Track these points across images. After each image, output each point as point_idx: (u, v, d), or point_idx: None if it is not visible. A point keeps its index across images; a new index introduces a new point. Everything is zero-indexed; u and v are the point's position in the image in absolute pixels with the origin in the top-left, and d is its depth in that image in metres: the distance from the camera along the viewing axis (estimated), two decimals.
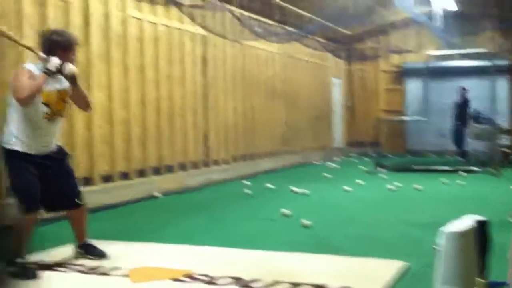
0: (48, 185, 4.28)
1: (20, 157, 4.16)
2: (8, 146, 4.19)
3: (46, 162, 4.28)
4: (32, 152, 4.20)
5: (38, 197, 4.22)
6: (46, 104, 4.19)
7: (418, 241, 5.22)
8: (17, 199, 4.22)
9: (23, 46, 4.58)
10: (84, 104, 4.54)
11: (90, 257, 4.54)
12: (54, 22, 6.85)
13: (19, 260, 4.10)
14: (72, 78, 4.23)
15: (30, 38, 6.52)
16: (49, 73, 4.08)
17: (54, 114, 4.26)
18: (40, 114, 4.18)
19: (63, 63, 4.13)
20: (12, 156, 4.19)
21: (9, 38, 4.52)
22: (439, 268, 3.18)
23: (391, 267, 4.23)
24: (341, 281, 3.91)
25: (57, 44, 4.20)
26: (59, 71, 4.13)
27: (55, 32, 4.38)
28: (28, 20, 6.53)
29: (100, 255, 4.55)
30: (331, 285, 3.81)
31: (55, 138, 4.39)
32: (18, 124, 4.17)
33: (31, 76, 4.09)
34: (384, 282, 3.90)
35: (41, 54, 4.19)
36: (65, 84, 4.32)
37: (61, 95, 4.31)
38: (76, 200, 4.51)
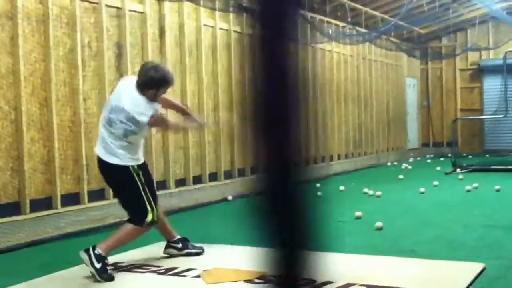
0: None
1: (133, 170, 4.41)
2: (122, 163, 4.39)
3: (143, 169, 4.50)
4: (136, 163, 4.45)
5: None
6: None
7: (498, 243, 5.04)
8: (134, 212, 4.44)
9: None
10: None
11: (190, 251, 4.75)
12: (130, 33, 7.11)
13: (106, 260, 4.23)
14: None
15: (110, 49, 6.83)
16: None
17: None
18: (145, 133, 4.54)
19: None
20: (130, 172, 4.40)
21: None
22: None
23: (469, 270, 4.11)
24: (417, 284, 3.83)
25: (151, 81, 4.31)
26: None
27: (153, 68, 4.42)
28: (107, 31, 6.81)
29: (200, 248, 4.80)
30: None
31: (140, 151, 4.59)
32: (126, 141, 4.38)
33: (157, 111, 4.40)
34: (463, 285, 3.79)
35: None
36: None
37: None
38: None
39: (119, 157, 4.31)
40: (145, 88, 4.31)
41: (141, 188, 4.35)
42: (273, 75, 0.86)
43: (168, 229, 4.78)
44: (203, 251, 4.84)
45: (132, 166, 4.35)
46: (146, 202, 4.35)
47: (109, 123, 4.30)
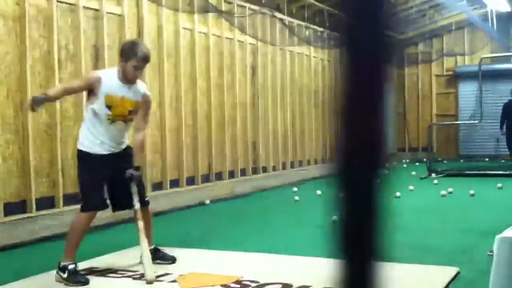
0: (117, 183, 4.44)
1: (88, 157, 4.38)
2: (78, 147, 4.47)
3: (116, 161, 4.43)
4: (100, 152, 4.38)
5: (98, 197, 4.38)
6: (108, 107, 4.37)
7: (472, 247, 5.10)
8: (80, 197, 4.42)
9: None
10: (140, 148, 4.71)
11: (160, 262, 4.64)
12: (108, 35, 7.07)
13: (70, 266, 4.20)
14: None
15: (87, 50, 6.78)
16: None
17: (114, 117, 4.41)
18: (104, 114, 4.36)
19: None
20: (81, 156, 4.44)
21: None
22: (494, 275, 3.11)
23: (444, 274, 4.16)
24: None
25: (121, 51, 4.47)
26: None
27: (129, 41, 4.65)
28: (85, 33, 6.76)
29: (170, 259, 4.69)
30: None
31: (122, 139, 4.54)
32: (89, 122, 4.41)
33: (87, 83, 4.42)
34: None
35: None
36: (136, 95, 4.48)
37: (125, 103, 4.45)
38: (143, 199, 4.59)
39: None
40: (120, 59, 4.44)
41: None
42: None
43: (147, 231, 4.71)
44: (174, 261, 4.70)
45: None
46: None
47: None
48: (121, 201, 4.56)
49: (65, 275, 4.17)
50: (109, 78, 4.38)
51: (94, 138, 4.38)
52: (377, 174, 0.90)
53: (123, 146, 4.55)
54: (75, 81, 4.38)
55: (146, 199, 4.65)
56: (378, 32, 0.87)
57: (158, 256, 4.68)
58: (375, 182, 0.91)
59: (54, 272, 4.30)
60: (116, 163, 4.43)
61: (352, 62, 0.87)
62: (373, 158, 0.90)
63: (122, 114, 4.44)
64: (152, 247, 4.67)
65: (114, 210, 4.67)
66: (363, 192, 0.91)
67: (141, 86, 4.59)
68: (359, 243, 0.92)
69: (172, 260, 4.69)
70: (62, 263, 4.22)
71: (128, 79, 4.40)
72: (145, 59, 4.44)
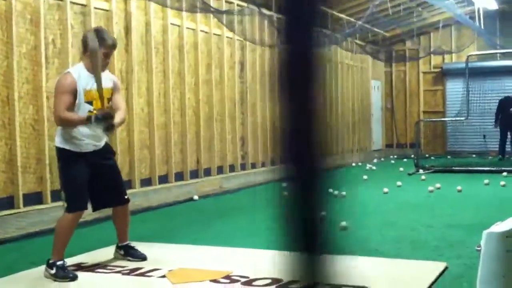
0: (97, 181, 4.39)
1: (70, 155, 4.29)
2: (58, 145, 4.34)
3: (96, 159, 4.38)
4: (81, 150, 4.31)
5: (84, 198, 4.33)
6: (89, 102, 4.29)
7: (460, 242, 5.14)
8: (63, 198, 4.34)
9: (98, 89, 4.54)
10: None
11: (130, 259, 4.62)
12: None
13: (58, 262, 4.18)
14: (108, 128, 4.31)
15: (74, 46, 6.73)
16: (90, 121, 4.20)
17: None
18: (85, 112, 4.27)
19: (108, 117, 4.23)
20: (62, 154, 4.33)
21: (96, 71, 4.49)
22: (482, 270, 3.14)
23: (432, 269, 4.19)
24: (381, 283, 3.89)
25: (85, 42, 4.30)
26: (98, 122, 4.23)
27: (92, 30, 4.47)
28: (71, 29, 6.71)
29: (140, 257, 4.63)
30: (372, 287, 3.78)
31: (103, 135, 4.47)
32: None
33: (72, 91, 4.19)
34: (426, 284, 3.85)
35: (93, 117, 4.23)
36: (108, 82, 4.41)
37: (104, 93, 4.40)
38: (123, 196, 4.58)
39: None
40: (84, 50, 4.31)
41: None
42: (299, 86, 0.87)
43: (123, 228, 4.70)
44: (144, 259, 4.63)
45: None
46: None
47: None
48: (102, 200, 4.52)
49: (53, 271, 4.15)
50: (80, 74, 4.26)
51: (77, 137, 4.28)
52: (318, 173, 0.95)
53: (103, 143, 4.50)
54: (62, 99, 4.18)
55: (126, 196, 4.63)
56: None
57: (129, 253, 4.66)
58: (317, 180, 0.95)
59: (42, 267, 4.28)
60: (96, 161, 4.39)
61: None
62: (312, 158, 0.94)
63: (103, 107, 4.35)
64: (126, 243, 4.67)
65: (94, 209, 4.63)
66: (306, 188, 0.95)
67: (107, 73, 4.53)
68: (306, 237, 0.95)
69: (143, 258, 4.63)
70: (51, 261, 4.20)
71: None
72: (115, 45, 4.44)
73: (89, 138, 4.34)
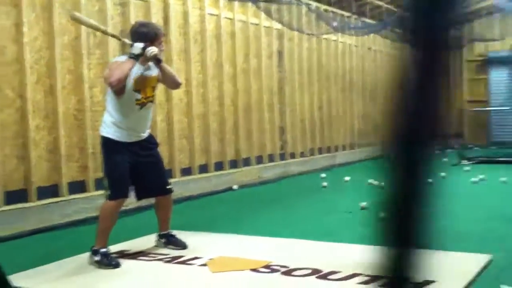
0: (140, 172, 4.43)
1: (114, 145, 4.34)
2: (103, 134, 4.40)
3: (138, 149, 4.43)
4: (126, 140, 4.36)
5: (126, 185, 4.38)
6: (137, 91, 4.34)
7: (504, 235, 5.02)
8: (106, 185, 4.39)
9: (107, 33, 4.84)
10: (173, 82, 4.65)
11: (172, 247, 4.67)
12: (135, 21, 7.07)
13: (102, 249, 4.25)
14: (155, 59, 4.36)
15: None
16: (134, 57, 4.24)
17: (145, 100, 4.40)
18: (133, 101, 4.33)
19: (145, 46, 4.27)
20: (107, 143, 4.38)
21: (91, 27, 4.75)
22: None
23: (476, 261, 4.10)
24: (423, 275, 3.81)
25: (144, 36, 4.35)
26: (142, 54, 4.26)
27: (142, 25, 4.58)
28: (111, 19, 6.78)
29: (181, 245, 4.67)
30: (413, 279, 3.72)
31: (147, 125, 4.54)
32: (113, 112, 4.35)
33: (120, 64, 4.27)
34: (469, 277, 3.77)
35: (125, 40, 4.41)
36: (154, 70, 4.47)
37: (150, 81, 4.46)
38: (166, 187, 4.62)
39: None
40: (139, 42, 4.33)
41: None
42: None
43: (165, 217, 4.74)
44: (185, 248, 4.67)
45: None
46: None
47: None
48: (145, 190, 4.57)
49: (97, 258, 4.23)
50: None
51: (121, 127, 4.33)
52: (430, 158, 0.87)
53: (146, 134, 4.53)
54: (113, 66, 4.32)
55: (169, 187, 4.66)
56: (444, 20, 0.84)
57: (171, 241, 4.72)
58: (426, 166, 0.87)
59: (86, 254, 4.35)
60: (139, 151, 4.43)
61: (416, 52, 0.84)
62: (428, 141, 0.86)
63: (150, 95, 4.44)
64: (167, 232, 4.73)
65: (138, 198, 4.70)
66: (414, 175, 0.87)
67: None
68: (405, 230, 0.88)
69: (183, 246, 4.67)
70: (94, 248, 4.27)
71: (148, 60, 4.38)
72: (163, 33, 4.55)
73: (132, 130, 4.39)
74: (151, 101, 4.50)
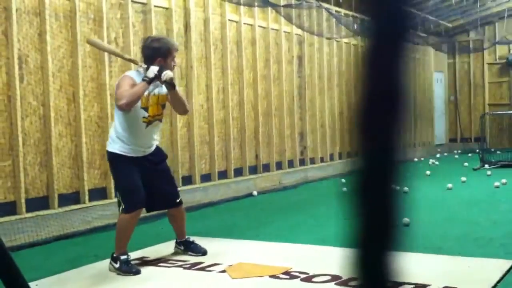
0: (149, 185, 4.42)
1: (122, 158, 4.34)
2: (109, 149, 4.40)
3: (146, 163, 4.43)
4: (132, 154, 4.36)
5: (140, 196, 4.37)
6: (145, 108, 4.34)
7: None
8: (119, 199, 4.42)
9: (124, 58, 4.83)
10: (181, 108, 4.63)
11: (191, 253, 4.69)
12: (156, 28, 7.15)
13: (122, 256, 4.28)
14: (169, 84, 4.33)
15: (136, 45, 6.87)
16: (148, 80, 4.21)
17: (152, 118, 4.39)
18: (140, 118, 4.32)
19: (161, 69, 4.26)
20: (114, 158, 4.38)
21: (108, 51, 4.76)
22: None
23: (497, 267, 4.05)
24: (445, 281, 3.78)
25: (157, 51, 4.34)
26: (157, 77, 4.24)
27: (154, 40, 4.52)
28: (133, 27, 6.86)
29: (201, 251, 4.69)
30: (433, 285, 3.70)
31: (154, 140, 4.53)
32: (119, 127, 4.35)
33: (133, 84, 4.25)
34: (491, 283, 3.73)
35: (142, 64, 4.36)
36: (163, 89, 4.46)
37: (159, 100, 4.45)
38: (175, 200, 4.63)
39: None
40: (152, 60, 4.31)
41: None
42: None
43: (180, 227, 4.76)
44: (205, 254, 4.70)
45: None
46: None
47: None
48: (154, 203, 4.57)
49: (117, 265, 4.26)
50: (138, 79, 4.32)
51: (127, 143, 4.33)
52: (394, 167, 0.90)
53: (153, 148, 4.52)
54: (122, 90, 4.27)
55: (178, 200, 4.64)
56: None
57: (189, 247, 4.73)
58: (391, 175, 0.90)
59: (107, 261, 4.40)
60: (147, 165, 4.43)
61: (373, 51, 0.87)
62: (390, 151, 0.89)
63: (158, 113, 4.42)
64: (185, 239, 4.75)
65: (148, 210, 4.73)
66: (380, 186, 0.90)
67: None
68: (375, 234, 0.91)
69: (203, 252, 4.69)
70: (115, 255, 4.31)
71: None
72: (177, 48, 4.52)
73: (137, 145, 4.37)
74: (159, 120, 4.47)
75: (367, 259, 0.90)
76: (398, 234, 0.90)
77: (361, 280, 0.91)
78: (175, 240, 4.82)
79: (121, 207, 4.37)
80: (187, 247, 4.74)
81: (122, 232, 4.34)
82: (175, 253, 4.77)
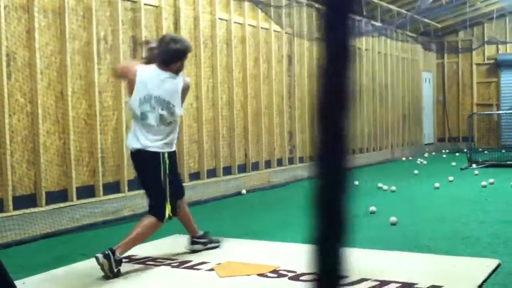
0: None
1: (158, 158, 4.32)
2: (143, 147, 4.35)
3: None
4: (167, 150, 4.40)
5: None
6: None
7: None
8: (152, 203, 4.38)
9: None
10: None
11: (211, 245, 4.79)
12: (146, 26, 7.13)
13: (120, 256, 4.21)
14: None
15: (125, 43, 6.85)
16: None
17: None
18: (157, 117, 4.35)
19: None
20: (149, 157, 4.34)
21: None
22: None
23: (484, 266, 4.09)
24: (431, 280, 3.81)
25: (176, 54, 4.34)
26: None
27: (173, 39, 4.46)
28: (122, 25, 6.83)
29: (217, 241, 4.87)
30: (420, 284, 3.72)
31: (174, 139, 4.54)
32: (139, 128, 4.41)
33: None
34: (478, 281, 3.76)
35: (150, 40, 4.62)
36: (178, 86, 4.47)
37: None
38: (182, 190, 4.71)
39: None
40: (172, 63, 4.33)
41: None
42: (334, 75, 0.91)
43: (192, 224, 4.77)
44: (220, 243, 4.89)
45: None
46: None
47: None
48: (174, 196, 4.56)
49: (116, 270, 4.10)
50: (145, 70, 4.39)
51: (156, 138, 4.33)
52: (343, 171, 0.97)
53: (174, 148, 4.54)
54: (131, 65, 4.41)
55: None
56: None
57: (208, 238, 4.84)
58: (342, 177, 0.97)
59: (94, 259, 4.36)
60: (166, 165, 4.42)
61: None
62: (340, 157, 0.96)
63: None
64: (198, 234, 4.79)
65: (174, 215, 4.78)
66: (332, 185, 0.96)
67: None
68: (330, 230, 0.99)
69: (218, 241, 4.92)
70: (120, 256, 4.13)
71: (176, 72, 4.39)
72: (183, 51, 4.46)
73: (165, 138, 4.40)
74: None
75: (323, 255, 0.95)
76: (348, 233, 0.96)
77: (317, 273, 0.97)
78: (188, 238, 4.81)
79: (156, 214, 4.32)
80: (208, 239, 4.86)
81: (142, 236, 4.29)
82: (164, 252, 4.76)
